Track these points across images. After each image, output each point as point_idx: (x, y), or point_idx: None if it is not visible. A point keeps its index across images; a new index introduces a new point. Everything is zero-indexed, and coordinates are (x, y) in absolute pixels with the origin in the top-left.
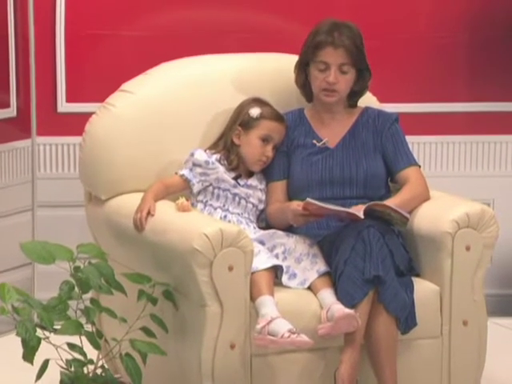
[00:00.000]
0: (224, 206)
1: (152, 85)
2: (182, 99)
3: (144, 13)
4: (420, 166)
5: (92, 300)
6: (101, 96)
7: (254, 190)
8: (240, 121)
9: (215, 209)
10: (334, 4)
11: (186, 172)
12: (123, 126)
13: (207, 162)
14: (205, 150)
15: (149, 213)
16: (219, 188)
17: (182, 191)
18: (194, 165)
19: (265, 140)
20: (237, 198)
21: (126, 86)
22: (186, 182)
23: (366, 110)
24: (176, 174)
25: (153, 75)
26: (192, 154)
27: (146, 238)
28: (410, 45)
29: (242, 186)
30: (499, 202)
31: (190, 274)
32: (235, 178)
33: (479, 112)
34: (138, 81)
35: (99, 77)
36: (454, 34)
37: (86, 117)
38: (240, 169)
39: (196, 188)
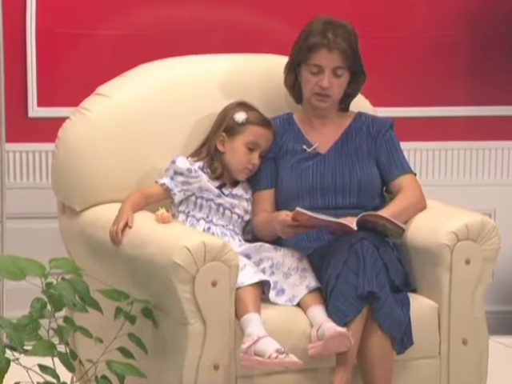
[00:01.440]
0: (207, 217)
1: (130, 88)
2: (162, 103)
3: (121, 10)
4: (415, 174)
5: (65, 318)
6: (75, 100)
7: (239, 200)
8: (224, 126)
9: (198, 220)
10: (326, 2)
11: (166, 181)
12: (99, 132)
13: (189, 170)
14: (187, 158)
15: (126, 225)
16: (202, 198)
17: (162, 201)
18: (176, 173)
19: (251, 147)
20: (221, 209)
21: (102, 89)
22: (167, 192)
23: (360, 115)
24: (156, 182)
25: (131, 77)
26: (173, 162)
27: (124, 251)
28: (406, 45)
29: (227, 196)
30: (501, 213)
31: (171, 290)
32: (219, 187)
33: (479, 116)
34: (115, 83)
35: (73, 79)
36: (452, 32)
37: (58, 122)
38: (224, 177)
39: (177, 198)
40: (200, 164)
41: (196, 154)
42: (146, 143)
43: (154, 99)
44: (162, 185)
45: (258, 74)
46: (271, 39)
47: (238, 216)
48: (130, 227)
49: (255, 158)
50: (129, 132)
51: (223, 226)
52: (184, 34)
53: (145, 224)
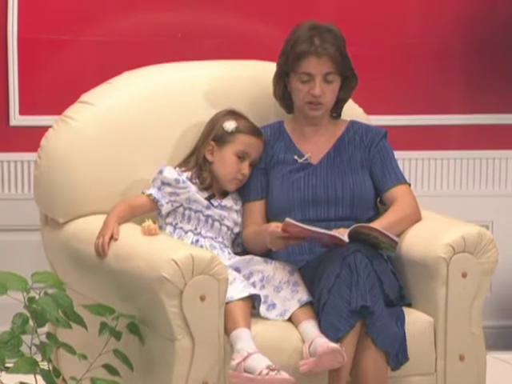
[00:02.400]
0: (196, 229)
1: (115, 95)
2: (148, 111)
3: (106, 15)
4: (410, 185)
5: (48, 334)
6: (58, 108)
7: (228, 212)
8: (213, 135)
9: (186, 232)
10: (315, 6)
11: (153, 191)
12: (83, 142)
13: (177, 181)
14: (175, 168)
15: (112, 237)
16: (190, 209)
17: (149, 213)
18: (163, 183)
19: (241, 156)
20: (210, 221)
21: (86, 96)
22: (154, 203)
23: (352, 124)
24: (143, 193)
25: (116, 85)
26: (160, 172)
27: (109, 265)
28: (400, 51)
29: (216, 207)
30: (498, 224)
31: (158, 305)
32: (208, 199)
33: (476, 125)
34: (100, 91)
35: (56, 87)
36: (447, 38)
37: (41, 131)
38: (213, 188)
39: (165, 209)
40: (188, 174)
41: (184, 164)
42: (131, 153)
43: (140, 107)
44: (149, 196)
45: (246, 81)
46: (260, 45)
47: (228, 228)
48: (116, 239)
49: (245, 168)
50: (114, 141)
51: (212, 239)
52: (171, 40)
53: (131, 236)
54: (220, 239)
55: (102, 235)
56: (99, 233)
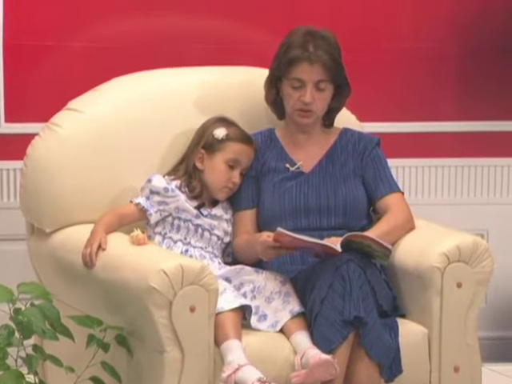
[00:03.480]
0: (185, 238)
1: (103, 102)
2: (136, 119)
3: (93, 20)
4: (403, 193)
5: (35, 347)
6: (45, 115)
7: (218, 221)
8: (203, 143)
9: (175, 242)
10: (308, 11)
11: (142, 200)
12: (70, 150)
13: (166, 189)
14: (164, 176)
15: (100, 247)
16: (180, 218)
17: (137, 222)
18: (152, 192)
19: (231, 164)
20: (199, 230)
21: (73, 103)
22: (142, 212)
23: (345, 131)
24: (131, 202)
25: (104, 91)
26: (149, 181)
27: (97, 275)
28: (393, 57)
29: (206, 217)
30: (494, 233)
31: (147, 316)
32: (198, 208)
33: (470, 132)
34: (87, 98)
35: (43, 93)
36: (440, 43)
37: (27, 138)
38: (203, 197)
39: (153, 218)
40: (177, 183)
41: (173, 173)
42: (120, 161)
43: (128, 114)
44: (137, 205)
45: (237, 87)
46: (251, 51)
47: (218, 238)
48: (104, 249)
49: (236, 177)
50: (102, 149)
51: (202, 248)
52: (160, 45)
53: (119, 246)
54: (210, 249)
55: (90, 245)
56: (87, 242)
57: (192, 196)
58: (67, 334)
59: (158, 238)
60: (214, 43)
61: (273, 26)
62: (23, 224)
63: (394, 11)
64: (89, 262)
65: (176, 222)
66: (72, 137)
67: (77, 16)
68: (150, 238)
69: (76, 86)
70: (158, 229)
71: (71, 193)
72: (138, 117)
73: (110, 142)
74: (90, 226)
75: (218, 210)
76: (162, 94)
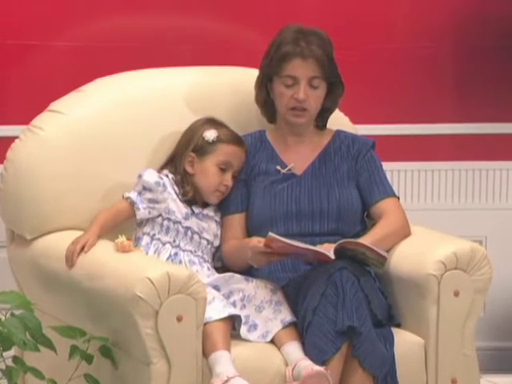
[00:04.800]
0: (174, 241)
1: (86, 104)
2: (122, 121)
3: (77, 19)
4: (398, 198)
5: (15, 358)
6: (26, 117)
7: (209, 223)
8: (193, 146)
9: (164, 244)
10: (299, 9)
11: (133, 195)
12: (52, 153)
13: (158, 183)
14: (159, 171)
15: (82, 249)
16: (169, 220)
17: (130, 218)
18: (144, 188)
19: (223, 167)
20: (189, 233)
21: (55, 105)
22: (132, 206)
23: (338, 133)
24: (123, 197)
25: (87, 92)
26: (140, 176)
27: (80, 283)
28: (387, 57)
29: (197, 216)
30: (492, 240)
31: (132, 326)
32: (190, 204)
33: (468, 134)
34: (70, 99)
35: (24, 94)
36: (436, 43)
37: (7, 141)
38: (196, 200)
39: (141, 214)
40: (172, 177)
41: (163, 169)
42: (104, 165)
43: (113, 116)
44: (127, 198)
45: (226, 88)
46: (240, 50)
47: (208, 242)
48: (86, 252)
49: (228, 180)
50: (85, 152)
51: (191, 252)
52: (147, 44)
53: (103, 253)
54: (200, 253)
55: (76, 243)
56: (76, 239)
57: (185, 199)
58: (49, 345)
59: (145, 239)
60: (202, 43)
61: (264, 24)
62: (3, 230)
63: (389, 9)
64: (69, 260)
65: (165, 223)
66: (54, 140)
67: (60, 14)
68: (137, 238)
69: (58, 86)
70: (147, 229)
71: (53, 198)
72: (124, 119)
73: (94, 146)
74: (73, 233)
75: (209, 211)
76: (149, 96)
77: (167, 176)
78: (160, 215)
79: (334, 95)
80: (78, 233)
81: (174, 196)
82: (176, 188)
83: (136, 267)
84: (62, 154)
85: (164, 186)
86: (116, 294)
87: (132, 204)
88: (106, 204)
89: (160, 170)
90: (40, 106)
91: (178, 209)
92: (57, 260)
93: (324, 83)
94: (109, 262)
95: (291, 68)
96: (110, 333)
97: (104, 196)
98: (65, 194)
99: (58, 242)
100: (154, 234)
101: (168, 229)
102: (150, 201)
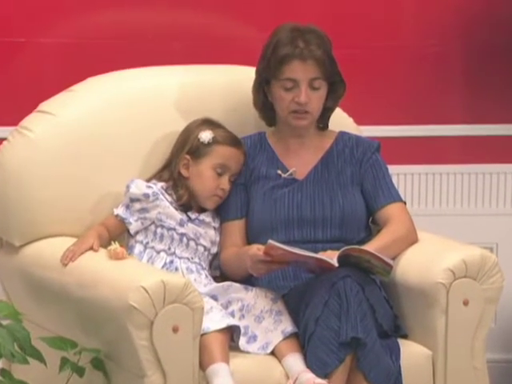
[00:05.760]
0: (169, 248)
1: (77, 104)
2: (114, 122)
3: (67, 15)
4: (405, 203)
5: (3, 371)
6: (14, 118)
7: (205, 229)
8: (188, 148)
9: (158, 252)
10: (298, 5)
11: (120, 211)
12: (42, 155)
13: (146, 195)
14: (148, 180)
15: (91, 248)
16: (163, 227)
17: (123, 234)
18: (132, 200)
19: (219, 171)
20: (184, 239)
21: (45, 105)
22: (123, 222)
23: (342, 135)
24: (112, 213)
25: (78, 92)
26: (127, 187)
27: (71, 292)
28: (393, 55)
29: (193, 221)
30: (503, 247)
31: (125, 337)
32: (185, 210)
33: (477, 136)
34: (60, 99)
35: (12, 94)
36: (445, 41)
37: None
38: (191, 206)
39: (134, 228)
40: (163, 185)
41: (156, 179)
42: (96, 168)
43: (105, 117)
44: (117, 216)
45: (222, 87)
46: (236, 48)
47: (205, 248)
48: (96, 251)
49: (225, 184)
50: (76, 155)
51: (188, 260)
52: (139, 42)
53: (95, 261)
54: (197, 260)
55: (81, 243)
56: (76, 242)
57: (179, 204)
58: (38, 357)
59: (138, 248)
60: (197, 40)
61: (259, 21)
62: None
63: (396, 6)
64: (65, 259)
65: (159, 230)
66: (44, 142)
67: (48, 10)
68: (130, 247)
69: (48, 86)
70: (140, 237)
71: (43, 203)
72: (116, 120)
73: (85, 148)
74: (64, 240)
75: (206, 216)
76: (141, 95)
77: (155, 185)
78: (153, 223)
79: (335, 94)
80: (70, 239)
81: (167, 203)
82: (167, 196)
83: (129, 275)
84: (52, 156)
85: (154, 194)
86: (109, 303)
87: (122, 220)
88: (98, 209)
89: (149, 180)
90: (29, 107)
91: (172, 215)
92: (47, 268)
93: (325, 83)
94: (101, 271)
95: (290, 71)
96: (103, 344)
97: (96, 201)
98: (55, 198)
99: (49, 249)
100: (148, 243)
101: (162, 236)
102: (140, 211)
